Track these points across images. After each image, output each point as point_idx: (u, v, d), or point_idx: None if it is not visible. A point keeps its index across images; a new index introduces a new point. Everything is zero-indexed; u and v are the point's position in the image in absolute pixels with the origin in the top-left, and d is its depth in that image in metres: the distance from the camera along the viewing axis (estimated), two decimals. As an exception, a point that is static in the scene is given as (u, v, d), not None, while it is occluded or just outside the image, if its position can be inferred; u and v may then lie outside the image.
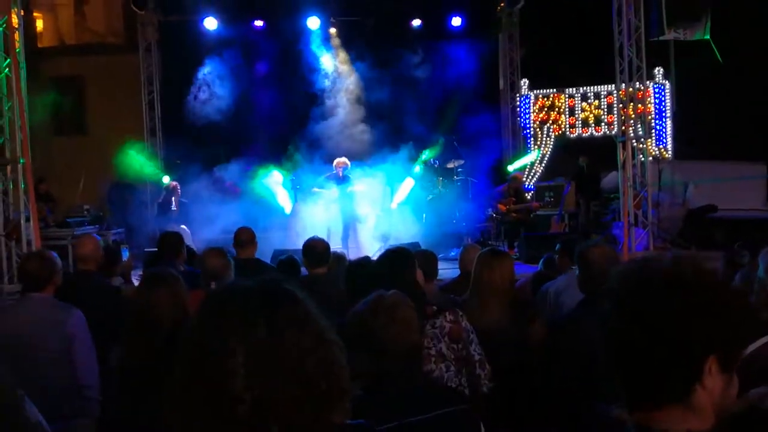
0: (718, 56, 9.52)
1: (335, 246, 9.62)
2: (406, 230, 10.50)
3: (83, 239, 4.58)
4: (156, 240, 9.46)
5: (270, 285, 1.01)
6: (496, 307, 3.47)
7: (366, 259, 3.84)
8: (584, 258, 3.30)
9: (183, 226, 9.67)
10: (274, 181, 11.09)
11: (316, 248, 4.50)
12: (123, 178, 11.56)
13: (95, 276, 4.37)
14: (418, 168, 11.45)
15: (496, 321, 3.45)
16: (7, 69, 8.10)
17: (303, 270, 4.82)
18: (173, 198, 10.88)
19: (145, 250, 9.00)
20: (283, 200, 11.23)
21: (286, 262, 5.16)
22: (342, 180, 10.75)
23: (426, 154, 11.54)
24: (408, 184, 11.10)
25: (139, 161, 11.58)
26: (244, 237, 5.32)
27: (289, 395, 0.92)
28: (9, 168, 8.16)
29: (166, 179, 11.78)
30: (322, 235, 10.01)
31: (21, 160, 8.09)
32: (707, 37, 9.57)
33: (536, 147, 13.29)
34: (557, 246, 4.88)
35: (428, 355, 2.89)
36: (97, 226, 9.99)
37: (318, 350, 0.96)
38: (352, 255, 9.48)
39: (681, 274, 1.13)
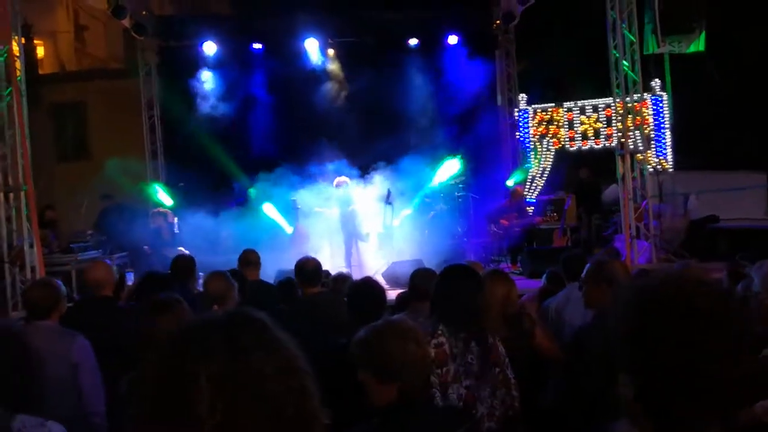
0: (715, 74, 9.57)
1: (339, 265, 9.65)
2: (409, 247, 10.51)
3: (94, 265, 4.50)
4: (154, 264, 9.54)
5: (237, 313, 1.04)
6: (492, 324, 3.47)
7: (368, 279, 3.84)
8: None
9: (181, 248, 9.68)
10: (269, 210, 11.16)
11: (306, 268, 4.50)
12: (116, 202, 11.58)
13: (111, 301, 4.31)
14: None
15: (498, 336, 3.45)
16: (8, 97, 8.18)
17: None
18: (167, 222, 10.92)
19: (147, 272, 8.97)
20: (283, 222, 11.29)
21: (284, 283, 5.19)
22: (343, 199, 10.78)
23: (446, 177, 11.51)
24: (406, 211, 11.17)
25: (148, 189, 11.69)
26: (250, 258, 5.35)
27: (253, 420, 0.93)
28: (12, 195, 8.22)
29: (166, 199, 11.84)
30: (325, 254, 10.07)
31: (24, 187, 8.15)
32: (702, 48, 9.64)
33: (535, 160, 13.32)
34: (562, 262, 4.85)
35: (470, 371, 2.91)
36: (100, 250, 10.00)
37: (285, 377, 0.97)
38: (355, 273, 9.48)
39: (716, 307, 1.14)
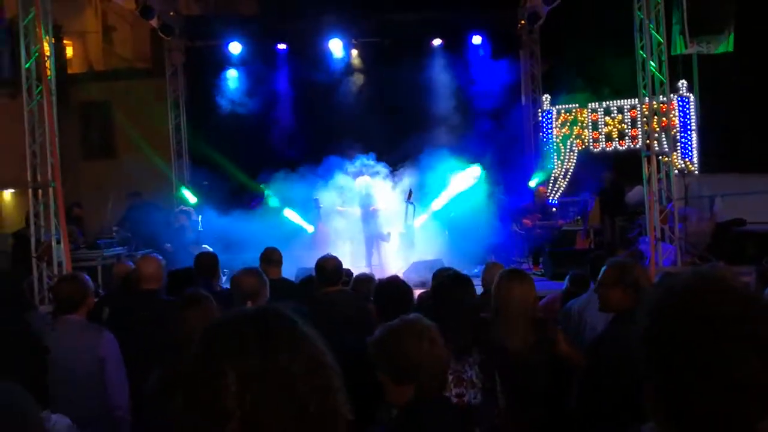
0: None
1: (359, 264, 9.67)
2: (430, 247, 10.50)
3: (147, 259, 4.59)
4: (177, 261, 9.66)
5: (266, 311, 1.06)
6: (520, 328, 3.45)
7: (395, 278, 3.84)
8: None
9: (205, 246, 9.78)
10: (290, 215, 11.23)
11: (326, 267, 4.52)
12: (144, 200, 11.73)
13: (160, 295, 4.39)
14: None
15: (522, 342, 3.44)
16: (39, 96, 8.33)
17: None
18: (190, 220, 11.04)
19: (170, 270, 9.08)
20: (304, 224, 11.36)
21: (307, 281, 5.21)
22: (365, 199, 10.81)
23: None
24: (424, 216, 11.16)
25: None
26: (271, 257, 5.38)
27: (279, 416, 0.96)
28: (40, 192, 8.36)
29: (191, 197, 12.00)
30: (346, 253, 10.10)
31: (52, 184, 8.29)
32: (731, 49, 9.47)
33: (558, 161, 13.21)
34: (589, 263, 4.80)
35: (461, 379, 2.91)
36: (125, 247, 10.15)
37: (311, 375, 1.00)
38: (375, 273, 9.48)
39: (751, 319, 1.11)
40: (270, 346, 1.00)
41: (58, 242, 8.26)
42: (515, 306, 3.48)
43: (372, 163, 11.31)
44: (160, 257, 4.64)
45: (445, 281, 3.23)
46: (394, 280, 3.80)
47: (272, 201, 11.35)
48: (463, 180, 11.32)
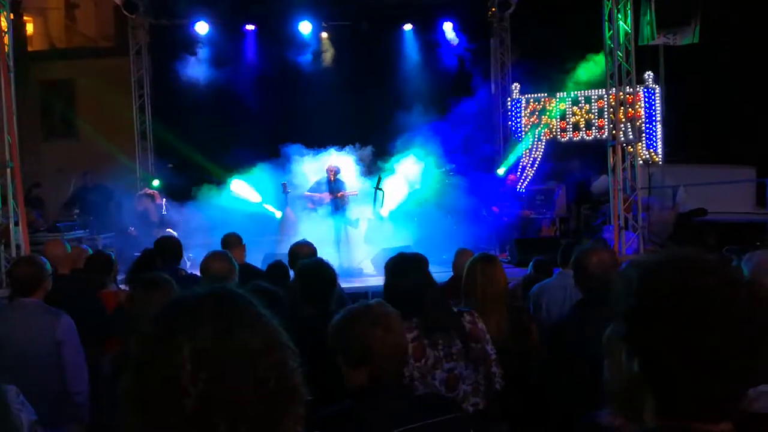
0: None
1: (327, 251, 9.62)
2: (398, 234, 10.49)
3: (52, 243, 4.55)
4: (140, 246, 9.47)
5: (221, 290, 1.07)
6: (495, 315, 3.47)
7: (319, 260, 3.75)
8: (580, 264, 3.27)
9: (169, 230, 9.61)
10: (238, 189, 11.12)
11: (300, 254, 4.49)
12: (96, 182, 11.47)
13: (71, 279, 4.34)
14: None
15: (496, 329, 3.45)
16: (-4, 72, 8.06)
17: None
18: (155, 204, 10.83)
19: (135, 254, 8.91)
20: (272, 208, 11.23)
21: (274, 265, 5.14)
22: (334, 184, 10.74)
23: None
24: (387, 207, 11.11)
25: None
26: (231, 241, 5.31)
27: (236, 392, 0.96)
28: (-2, 172, 8.11)
29: (155, 182, 11.78)
30: (314, 239, 10.01)
31: (10, 164, 8.04)
32: (696, 41, 9.64)
33: (526, 150, 13.29)
34: (559, 252, 4.84)
35: (449, 353, 2.91)
36: (87, 230, 9.92)
37: (267, 352, 1.00)
38: (344, 259, 9.48)
39: (742, 290, 1.13)
40: (224, 323, 0.99)
41: (17, 224, 8.04)
42: (489, 291, 3.50)
43: (341, 148, 11.23)
44: (84, 246, 4.61)
45: (398, 263, 3.23)
46: (318, 261, 3.72)
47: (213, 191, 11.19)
48: (407, 173, 11.19)
